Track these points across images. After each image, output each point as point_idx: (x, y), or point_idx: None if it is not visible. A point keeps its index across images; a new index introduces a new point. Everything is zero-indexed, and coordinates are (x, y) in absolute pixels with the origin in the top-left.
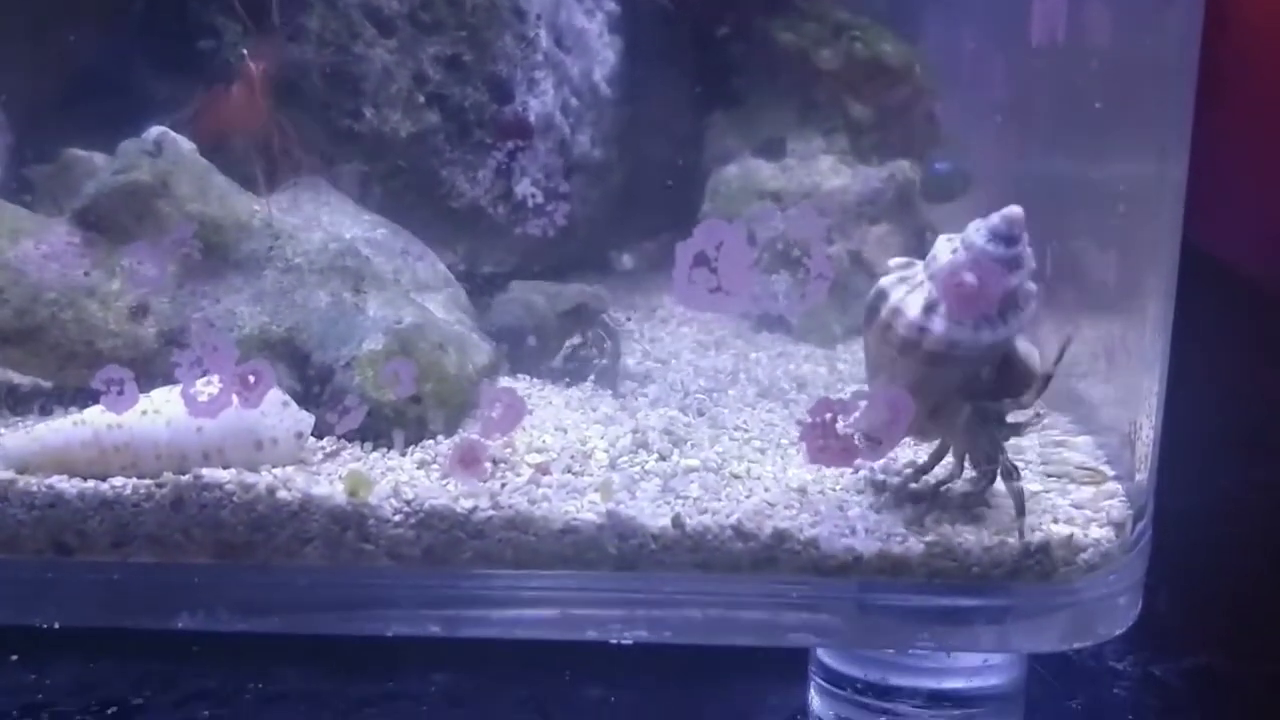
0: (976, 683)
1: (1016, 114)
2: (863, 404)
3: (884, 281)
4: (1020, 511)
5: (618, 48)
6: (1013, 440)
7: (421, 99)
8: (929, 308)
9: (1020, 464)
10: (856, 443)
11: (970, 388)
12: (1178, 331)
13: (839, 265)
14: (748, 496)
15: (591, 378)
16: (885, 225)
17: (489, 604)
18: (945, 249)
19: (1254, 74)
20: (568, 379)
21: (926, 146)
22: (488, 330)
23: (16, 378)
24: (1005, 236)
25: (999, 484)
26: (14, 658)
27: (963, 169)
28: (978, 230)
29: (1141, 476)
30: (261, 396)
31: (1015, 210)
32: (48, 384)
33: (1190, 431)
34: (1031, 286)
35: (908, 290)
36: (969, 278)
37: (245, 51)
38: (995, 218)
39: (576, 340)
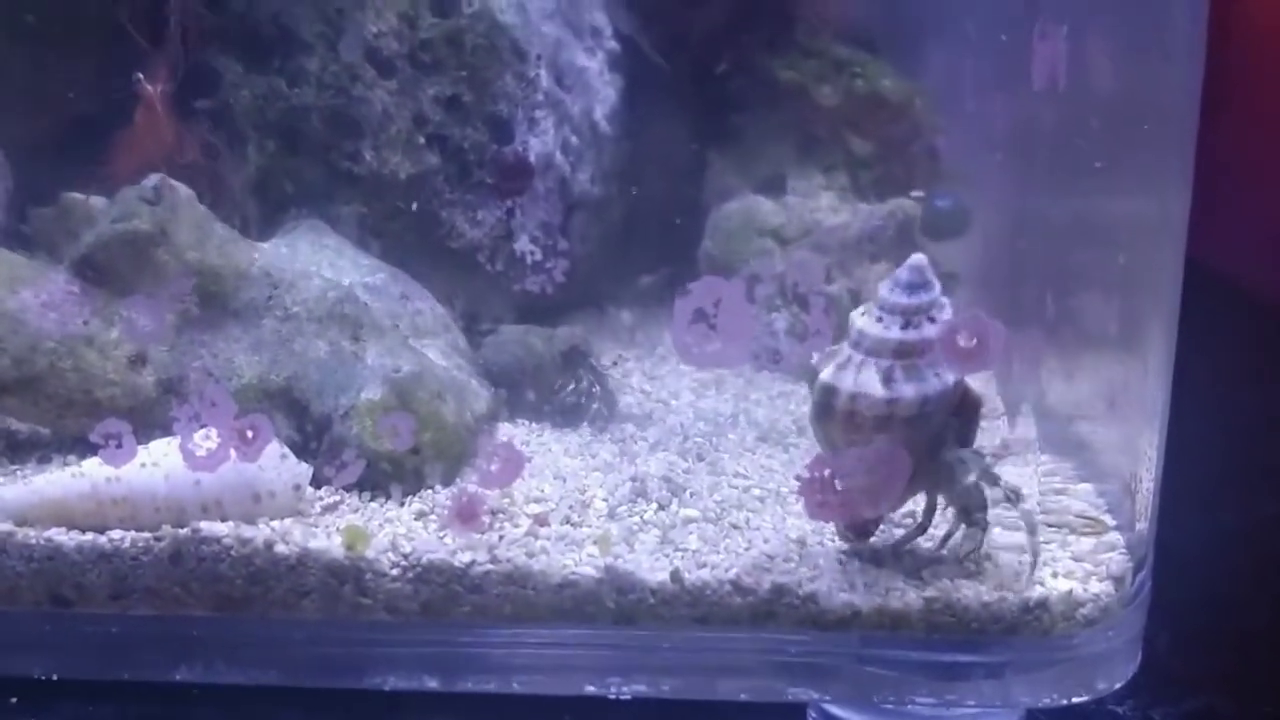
0: None
1: (1018, 151)
2: (859, 460)
3: (824, 376)
4: (1032, 531)
5: (618, 86)
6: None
7: (421, 140)
8: (888, 378)
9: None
10: (854, 498)
11: (941, 438)
12: (1177, 349)
13: (839, 304)
14: (747, 549)
15: (586, 422)
16: (886, 263)
17: (487, 658)
18: (862, 320)
19: (1255, 84)
20: (560, 419)
21: (928, 182)
22: (485, 371)
23: (14, 425)
24: (908, 284)
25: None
26: (13, 700)
27: (964, 205)
28: (887, 286)
29: (1142, 526)
30: (260, 450)
31: (918, 258)
32: (46, 432)
33: (1191, 463)
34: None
35: (855, 372)
36: (963, 340)
37: (140, 76)
38: (902, 268)
39: (570, 385)
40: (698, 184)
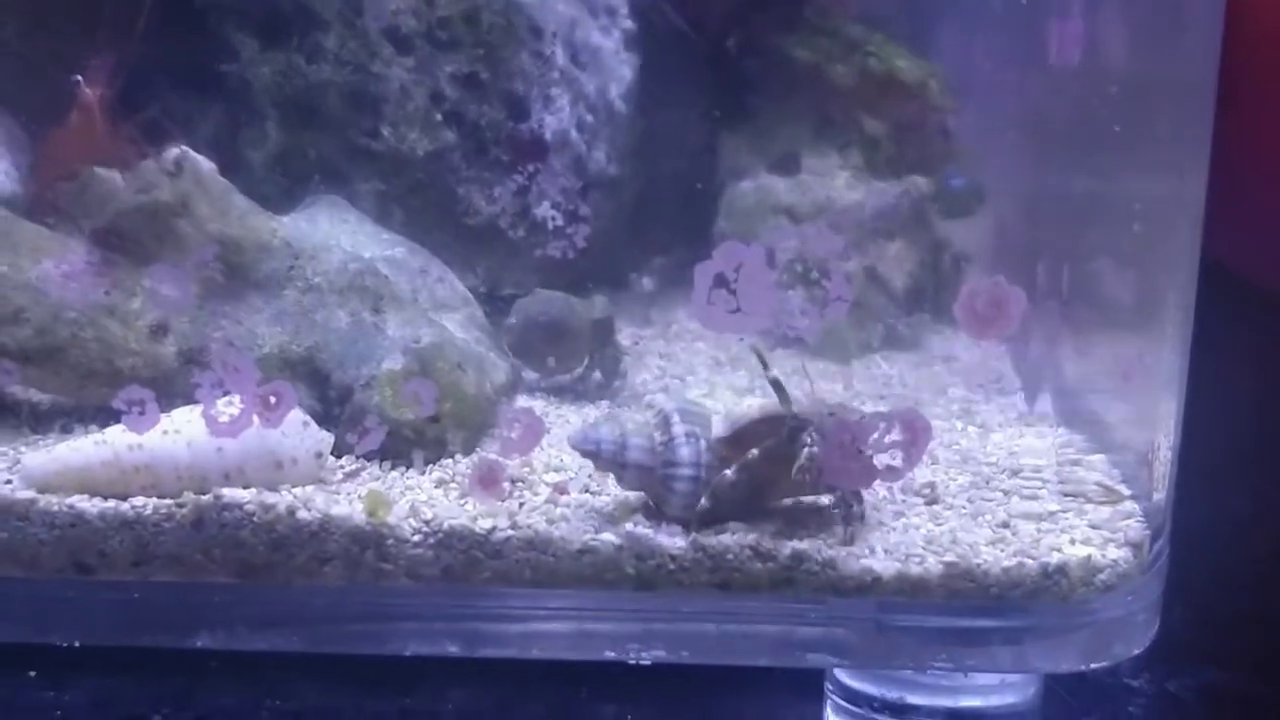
0: (994, 701)
1: (1032, 129)
2: (881, 425)
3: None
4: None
5: (634, 64)
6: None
7: (438, 117)
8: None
9: (1038, 483)
10: (875, 464)
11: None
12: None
13: (854, 282)
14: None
15: (604, 401)
16: (900, 241)
17: (507, 623)
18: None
19: (1266, 79)
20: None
21: (941, 162)
22: (521, 324)
23: (37, 396)
24: (590, 455)
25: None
26: (31, 674)
27: (977, 185)
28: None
29: (1159, 495)
30: (283, 417)
31: (575, 436)
32: (68, 402)
33: (1205, 444)
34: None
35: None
36: (982, 306)
37: (79, 78)
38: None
39: (590, 360)
40: (712, 163)
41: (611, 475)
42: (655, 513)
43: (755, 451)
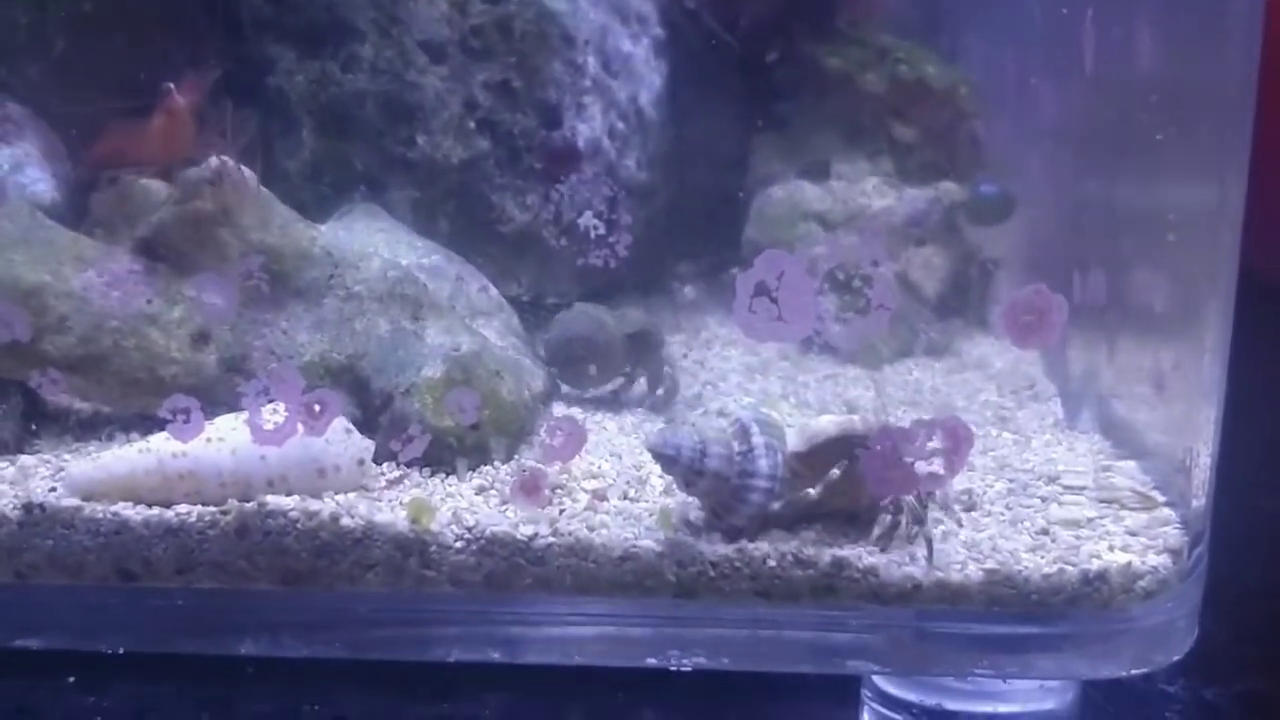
0: (1031, 706)
1: (1066, 137)
2: (923, 432)
3: None
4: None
5: (664, 72)
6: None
7: (472, 125)
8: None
9: (1075, 489)
10: (917, 472)
11: None
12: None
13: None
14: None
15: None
16: (931, 247)
17: (549, 629)
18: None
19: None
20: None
21: (971, 168)
22: (553, 341)
23: (79, 404)
24: (666, 461)
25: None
26: (71, 680)
27: (1008, 191)
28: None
29: (1199, 502)
30: (327, 425)
31: (654, 440)
32: (111, 410)
33: (1239, 450)
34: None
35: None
36: (1025, 315)
37: (171, 86)
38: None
39: (632, 371)
40: (742, 170)
41: (679, 480)
42: (713, 522)
43: (837, 471)
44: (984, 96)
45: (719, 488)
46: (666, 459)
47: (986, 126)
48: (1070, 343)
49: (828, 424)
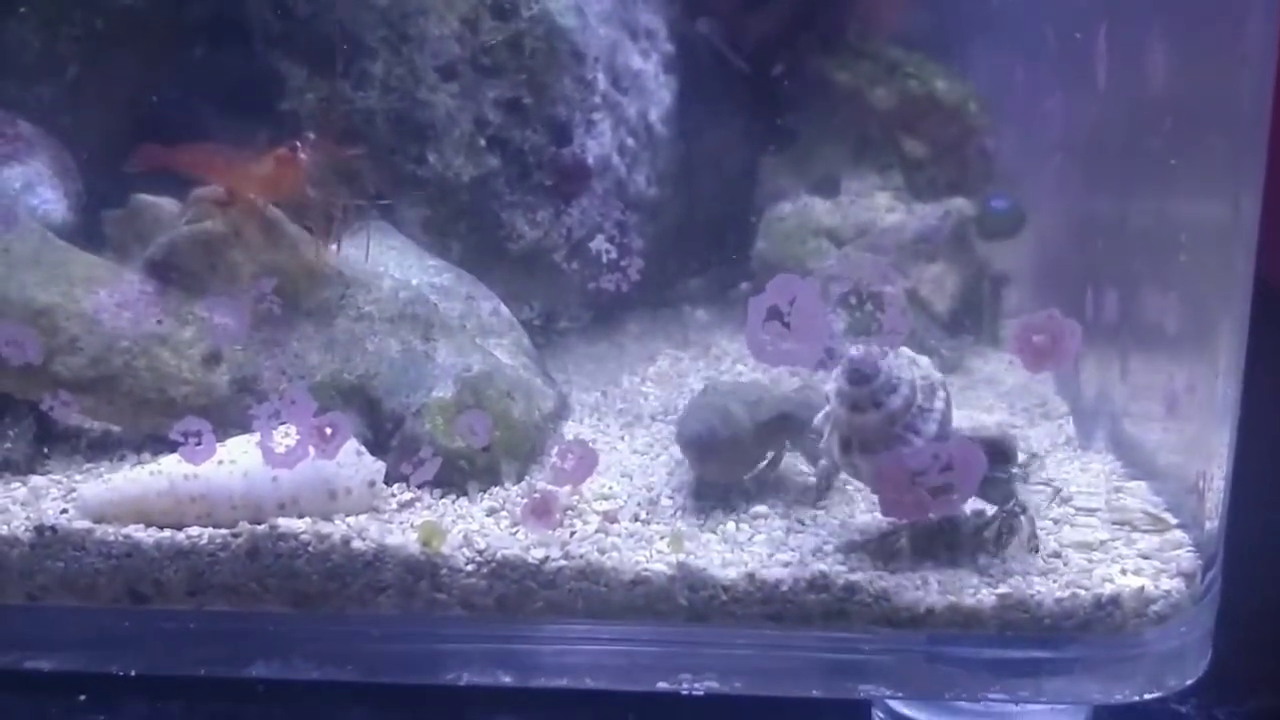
0: None
1: (1076, 152)
2: (933, 457)
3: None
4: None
5: (673, 88)
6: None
7: (483, 142)
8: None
9: (1088, 511)
10: (929, 495)
11: None
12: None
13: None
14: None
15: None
16: (941, 263)
17: (560, 653)
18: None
19: None
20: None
21: (981, 183)
22: (680, 438)
23: (90, 424)
24: (858, 377)
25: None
26: (82, 698)
27: (1019, 206)
28: (836, 377)
29: (1211, 525)
30: (339, 448)
31: (859, 354)
32: (122, 431)
33: (1248, 460)
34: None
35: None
36: (1038, 339)
37: (306, 139)
38: (845, 363)
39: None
40: (752, 185)
41: (848, 399)
42: (833, 451)
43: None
44: (994, 111)
45: (879, 428)
46: (863, 379)
47: (997, 141)
48: (1082, 361)
49: (988, 427)
